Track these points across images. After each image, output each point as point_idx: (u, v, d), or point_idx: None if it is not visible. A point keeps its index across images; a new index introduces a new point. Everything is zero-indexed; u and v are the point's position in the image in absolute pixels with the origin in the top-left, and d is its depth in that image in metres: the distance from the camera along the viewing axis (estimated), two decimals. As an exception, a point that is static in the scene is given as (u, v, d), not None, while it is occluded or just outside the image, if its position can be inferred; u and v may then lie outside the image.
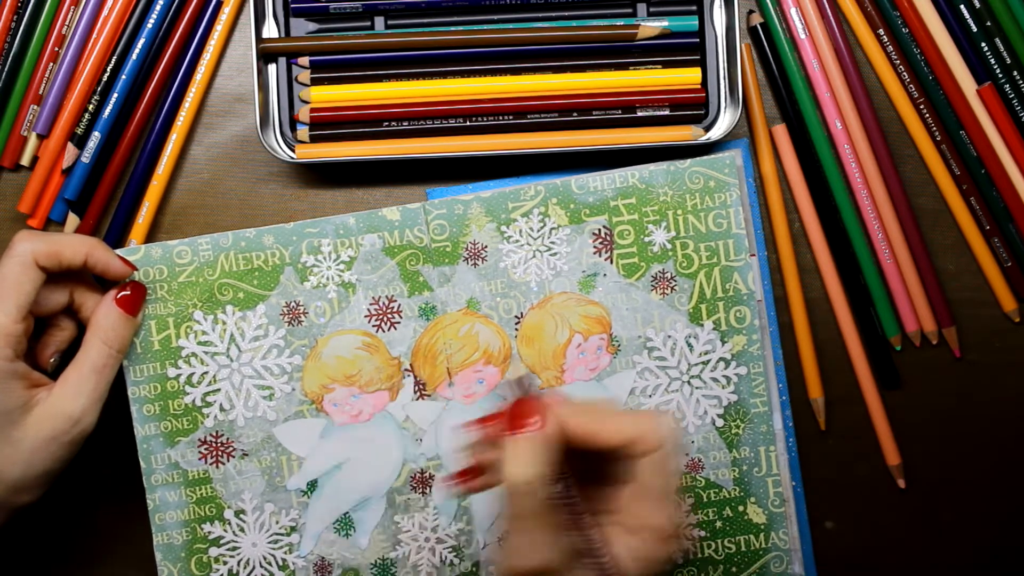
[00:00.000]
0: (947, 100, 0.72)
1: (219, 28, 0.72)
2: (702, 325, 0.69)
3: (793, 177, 0.73)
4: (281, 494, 0.68)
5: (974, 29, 0.71)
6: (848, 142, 0.72)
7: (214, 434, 0.68)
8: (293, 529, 0.69)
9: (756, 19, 0.72)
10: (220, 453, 0.68)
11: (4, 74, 0.71)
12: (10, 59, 0.71)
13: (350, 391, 0.68)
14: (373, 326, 0.68)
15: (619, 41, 0.71)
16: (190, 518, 0.68)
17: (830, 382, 0.73)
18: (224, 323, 0.68)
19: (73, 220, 0.72)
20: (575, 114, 0.71)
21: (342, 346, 0.68)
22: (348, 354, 0.68)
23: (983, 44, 0.71)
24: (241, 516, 0.68)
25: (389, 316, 0.68)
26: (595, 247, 0.68)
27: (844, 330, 0.73)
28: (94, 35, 0.71)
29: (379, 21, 0.71)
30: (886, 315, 0.73)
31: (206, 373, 0.68)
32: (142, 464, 0.68)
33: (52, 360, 0.65)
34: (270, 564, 0.69)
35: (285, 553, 0.69)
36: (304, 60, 0.71)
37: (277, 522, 0.69)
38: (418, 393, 0.68)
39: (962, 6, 0.71)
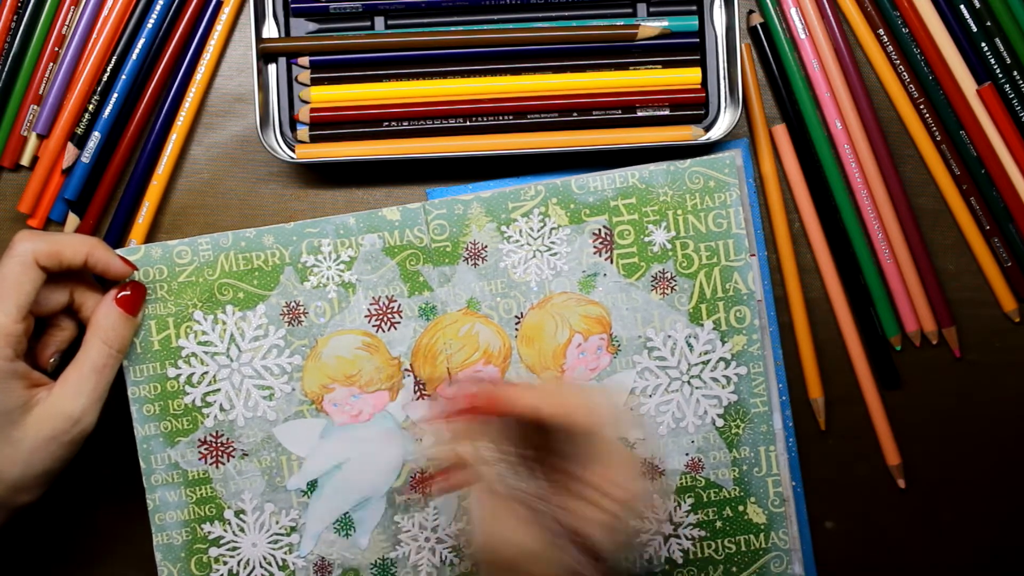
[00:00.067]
0: (947, 100, 0.72)
1: (219, 28, 0.72)
2: (702, 325, 0.69)
3: (793, 177, 0.73)
4: (281, 494, 0.68)
5: (974, 29, 0.71)
6: (848, 142, 0.72)
7: (214, 434, 0.68)
8: (293, 529, 0.69)
9: (756, 19, 0.72)
10: (220, 453, 0.68)
11: (4, 74, 0.71)
12: (10, 59, 0.71)
13: (350, 391, 0.68)
14: (373, 326, 0.68)
15: (619, 41, 0.71)
16: (190, 518, 0.68)
17: (830, 382, 0.73)
18: (224, 323, 0.68)
19: (73, 220, 0.72)
20: (575, 114, 0.71)
21: (342, 346, 0.68)
22: (348, 354, 0.68)
23: (983, 44, 0.71)
24: (241, 516, 0.68)
25: (389, 316, 0.68)
26: (595, 247, 0.68)
27: (844, 330, 0.73)
28: (94, 35, 0.71)
29: (379, 21, 0.71)
30: (886, 315, 0.73)
31: (206, 373, 0.68)
32: (142, 464, 0.68)
33: (52, 360, 0.65)
34: (270, 564, 0.69)
35: (285, 553, 0.69)
36: (304, 60, 0.71)
37: (277, 522, 0.69)
38: (418, 393, 0.68)
39: (962, 6, 0.71)
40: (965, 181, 0.72)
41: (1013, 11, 0.70)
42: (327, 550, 0.69)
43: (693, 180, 0.68)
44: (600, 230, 0.68)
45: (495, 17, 0.71)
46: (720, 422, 0.69)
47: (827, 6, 0.72)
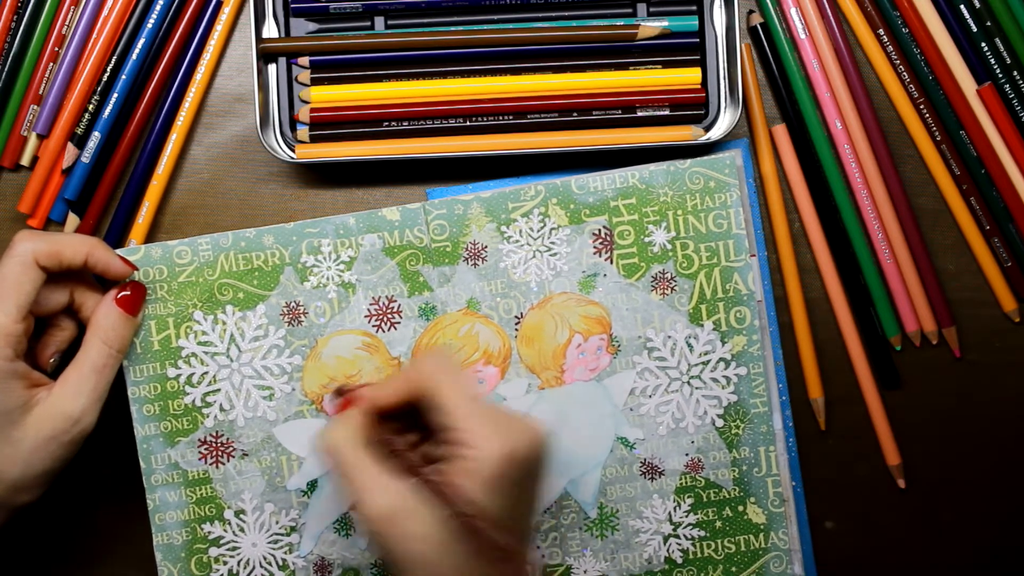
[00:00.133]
0: (947, 100, 0.72)
1: (219, 28, 0.72)
2: (702, 325, 0.69)
3: (793, 177, 0.73)
4: (281, 494, 0.68)
5: (974, 29, 0.71)
6: (848, 142, 0.72)
7: (214, 434, 0.68)
8: (293, 529, 0.69)
9: (756, 19, 0.72)
10: (220, 453, 0.68)
11: (4, 74, 0.71)
12: (10, 59, 0.71)
13: (350, 391, 0.68)
14: (373, 326, 0.68)
15: (619, 41, 0.71)
16: (190, 518, 0.68)
17: (830, 382, 0.73)
18: (224, 323, 0.68)
19: (73, 220, 0.72)
20: (575, 114, 0.71)
21: (342, 346, 0.68)
22: (348, 354, 0.68)
23: (983, 44, 0.71)
24: (241, 516, 0.69)
25: (389, 316, 0.68)
26: (595, 247, 0.68)
27: (844, 330, 0.73)
28: (94, 35, 0.71)
29: (379, 21, 0.71)
30: (886, 315, 0.73)
31: (206, 373, 0.68)
32: (142, 464, 0.68)
33: (52, 360, 0.65)
34: (270, 564, 0.69)
35: (285, 553, 0.69)
36: (304, 60, 0.71)
37: (277, 522, 0.69)
38: (418, 393, 0.68)
39: (962, 6, 0.71)
40: (965, 181, 0.72)
41: (1013, 11, 0.70)
42: (327, 550, 0.69)
43: (693, 180, 0.68)
44: (600, 230, 0.68)
45: (495, 17, 0.71)
46: (720, 422, 0.69)
47: (827, 6, 0.72)
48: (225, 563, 0.69)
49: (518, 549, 0.59)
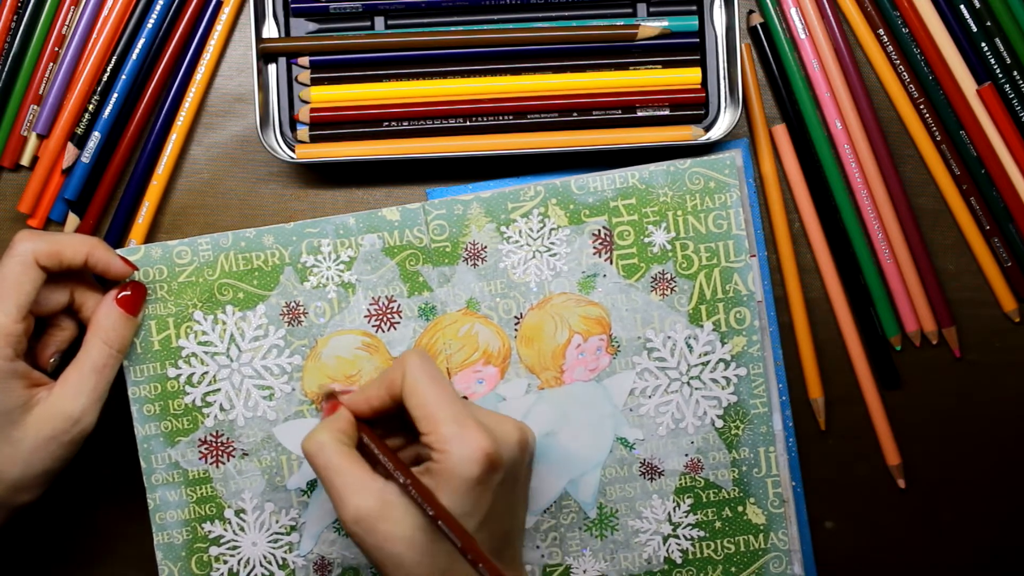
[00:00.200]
0: (947, 100, 0.72)
1: (219, 28, 0.72)
2: (702, 326, 0.69)
3: (793, 177, 0.73)
4: (281, 493, 0.69)
5: (974, 29, 0.71)
6: (848, 142, 0.72)
7: (214, 434, 0.68)
8: (293, 528, 0.69)
9: (756, 19, 0.72)
10: (220, 453, 0.68)
11: (4, 74, 0.71)
12: (10, 59, 0.71)
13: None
14: (373, 326, 0.68)
15: (619, 41, 0.70)
16: (190, 517, 0.68)
17: (830, 382, 0.73)
18: (224, 323, 0.68)
19: (73, 220, 0.72)
20: (575, 114, 0.71)
21: (342, 346, 0.68)
22: (348, 354, 0.68)
23: (983, 44, 0.71)
24: (241, 515, 0.69)
25: (389, 316, 0.68)
26: (595, 248, 0.68)
27: (844, 330, 0.73)
28: (94, 35, 0.71)
29: (379, 21, 0.71)
30: (886, 315, 0.73)
31: (206, 373, 0.68)
32: (142, 464, 0.68)
33: (52, 360, 0.65)
34: (270, 563, 0.69)
35: (285, 552, 0.69)
36: (304, 60, 0.71)
37: (277, 521, 0.69)
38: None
39: (962, 6, 0.71)
40: (965, 181, 0.72)
41: (1013, 11, 0.70)
42: (327, 549, 0.69)
43: (693, 181, 0.68)
44: (600, 231, 0.68)
45: (495, 17, 0.71)
46: (720, 423, 0.69)
47: (827, 6, 0.71)
48: (225, 562, 0.69)
49: (498, 549, 0.59)
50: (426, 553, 0.57)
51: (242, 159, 0.73)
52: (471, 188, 0.71)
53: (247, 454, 0.68)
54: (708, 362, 0.69)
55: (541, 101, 0.70)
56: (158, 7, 0.71)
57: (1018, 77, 0.71)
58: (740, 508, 0.69)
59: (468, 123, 0.71)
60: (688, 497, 0.69)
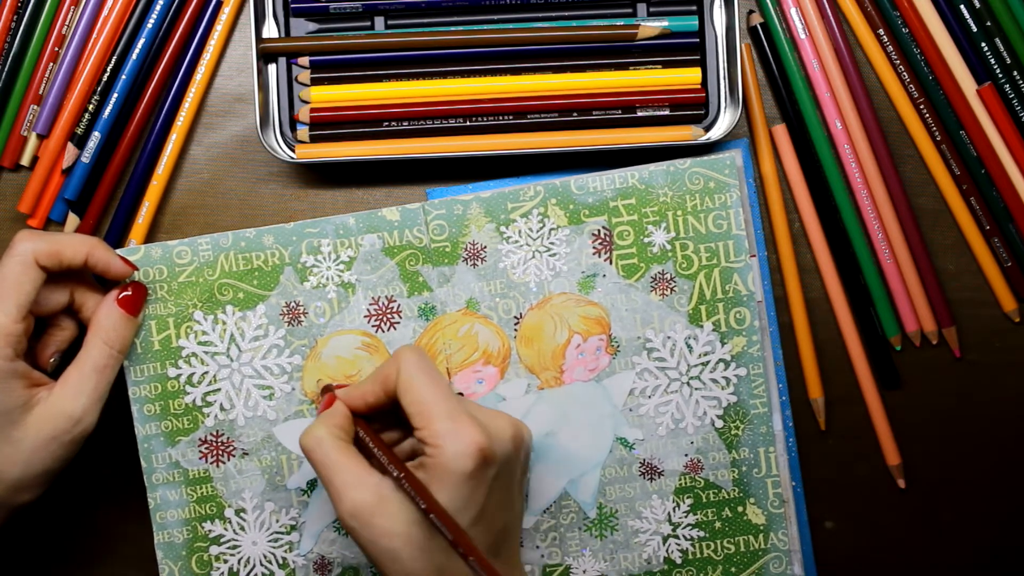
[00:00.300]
0: (947, 100, 0.72)
1: (219, 28, 0.72)
2: (702, 326, 0.69)
3: (793, 177, 0.73)
4: (281, 493, 0.69)
5: (974, 29, 0.71)
6: (848, 142, 0.72)
7: (214, 433, 0.68)
8: (293, 528, 0.69)
9: (756, 19, 0.72)
10: (220, 452, 0.68)
11: (4, 74, 0.71)
12: (10, 59, 0.71)
13: (350, 391, 0.68)
14: (373, 326, 0.68)
15: (619, 41, 0.70)
16: (191, 517, 0.68)
17: (830, 382, 0.73)
18: (224, 323, 0.68)
19: (73, 220, 0.72)
20: (575, 114, 0.71)
21: (342, 346, 0.68)
22: (348, 354, 0.68)
23: (983, 44, 0.71)
24: (241, 515, 0.69)
25: (389, 316, 0.68)
26: (594, 248, 0.68)
27: (844, 330, 0.73)
28: (94, 35, 0.71)
29: (379, 21, 0.71)
30: (886, 315, 0.73)
31: (206, 373, 0.68)
32: (143, 463, 0.68)
33: (52, 360, 0.65)
34: (270, 563, 0.69)
35: (285, 552, 0.69)
36: (304, 60, 0.71)
37: (277, 521, 0.69)
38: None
39: (962, 6, 0.71)
40: (965, 181, 0.72)
41: (1013, 11, 0.70)
42: (327, 548, 0.69)
43: (693, 181, 0.68)
44: (599, 231, 0.68)
45: (495, 17, 0.71)
46: (720, 423, 0.69)
47: (827, 6, 0.71)
48: (225, 561, 0.69)
49: (495, 546, 0.59)
50: (422, 548, 0.57)
51: (242, 159, 0.73)
52: (471, 188, 0.71)
53: (247, 454, 0.68)
54: (708, 362, 0.69)
55: (541, 101, 0.70)
56: (158, 7, 0.71)
57: (1018, 77, 0.71)
58: (740, 508, 0.69)
59: (468, 123, 0.71)
60: (688, 497, 0.69)
